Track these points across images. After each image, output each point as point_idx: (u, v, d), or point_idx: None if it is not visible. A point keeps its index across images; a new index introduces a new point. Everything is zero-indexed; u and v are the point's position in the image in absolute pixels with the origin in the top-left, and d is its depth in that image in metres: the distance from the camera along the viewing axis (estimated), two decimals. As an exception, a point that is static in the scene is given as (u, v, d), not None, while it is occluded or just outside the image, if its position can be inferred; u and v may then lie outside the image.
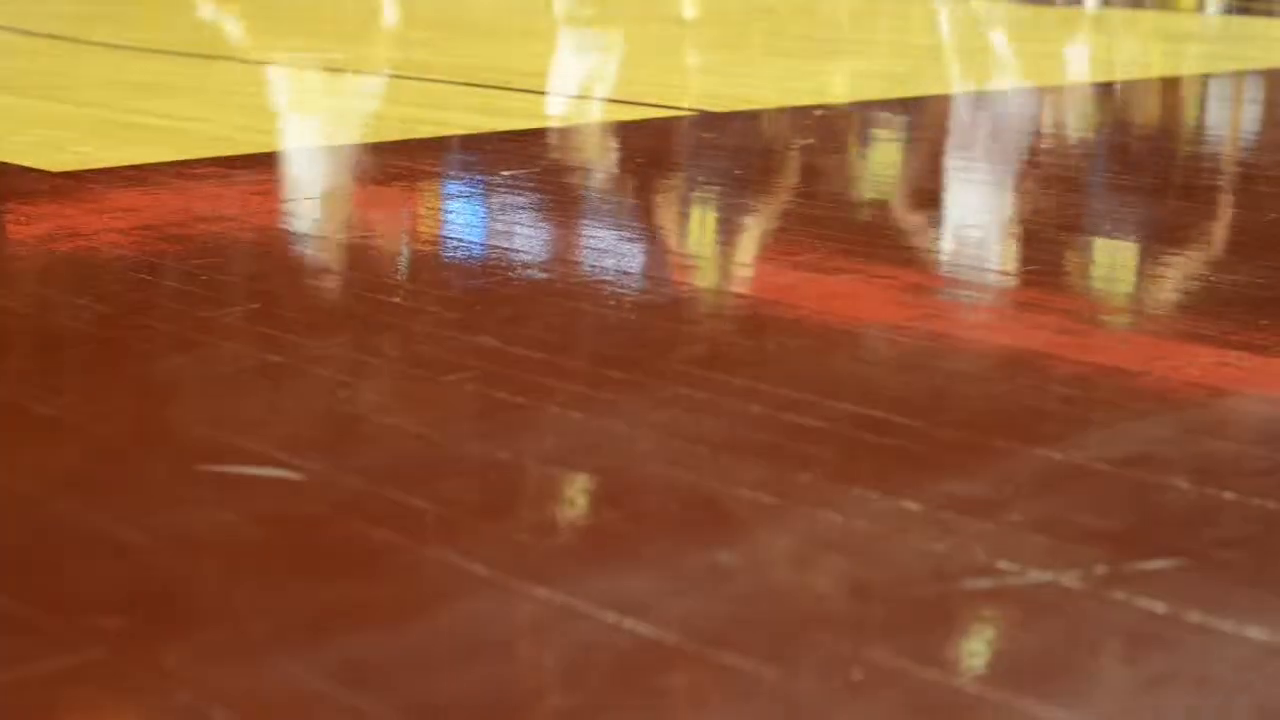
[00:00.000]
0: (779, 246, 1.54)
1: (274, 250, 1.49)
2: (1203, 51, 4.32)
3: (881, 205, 1.78)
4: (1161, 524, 0.82)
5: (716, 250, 1.55)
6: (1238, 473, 0.90)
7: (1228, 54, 4.24)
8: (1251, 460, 0.93)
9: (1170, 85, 3.31)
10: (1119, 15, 5.73)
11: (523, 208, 1.69)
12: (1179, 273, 1.51)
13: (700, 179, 1.93)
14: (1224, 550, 0.78)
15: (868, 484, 0.86)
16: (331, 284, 1.36)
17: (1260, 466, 0.92)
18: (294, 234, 1.55)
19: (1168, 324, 1.27)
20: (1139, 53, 4.22)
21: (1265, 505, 0.85)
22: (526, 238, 1.56)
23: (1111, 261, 1.57)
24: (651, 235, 1.62)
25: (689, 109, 2.57)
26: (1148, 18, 5.55)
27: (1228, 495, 0.86)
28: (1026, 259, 1.49)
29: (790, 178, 1.98)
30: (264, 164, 1.89)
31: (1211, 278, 1.45)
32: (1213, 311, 1.31)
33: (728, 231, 1.62)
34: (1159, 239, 1.67)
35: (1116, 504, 0.84)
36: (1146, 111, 2.90)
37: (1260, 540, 0.80)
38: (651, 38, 4.15)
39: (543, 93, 2.74)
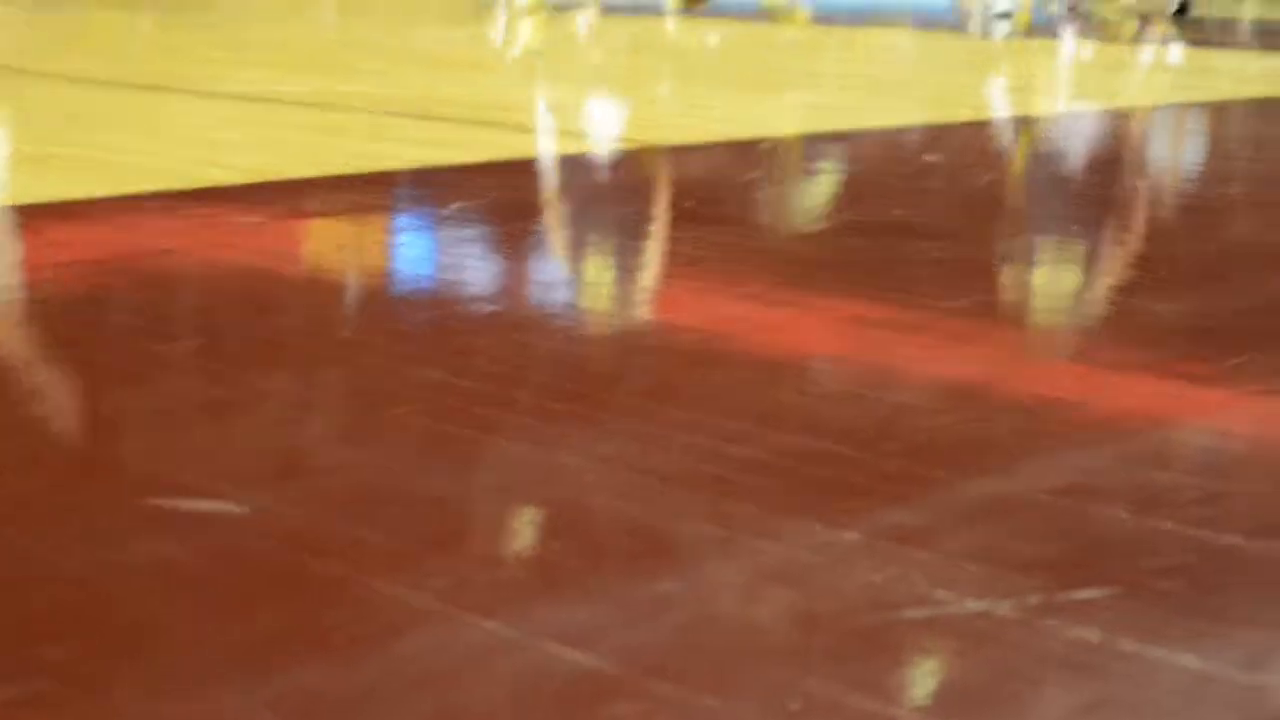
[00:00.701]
0: (725, 279, 1.55)
1: (220, 284, 1.49)
2: (1144, 81, 4.36)
3: (826, 237, 1.80)
4: (1098, 553, 0.83)
5: (663, 283, 1.56)
6: (1175, 502, 0.92)
7: (1168, 85, 4.28)
8: (1189, 490, 0.94)
9: (1111, 116, 3.35)
10: (1066, 47, 5.78)
11: (471, 241, 1.70)
12: (1120, 303, 1.53)
13: (646, 212, 1.95)
14: (1159, 579, 0.80)
15: (810, 515, 0.87)
16: (279, 318, 1.36)
17: (1197, 496, 0.93)
18: (241, 268, 1.55)
19: (1108, 354, 1.29)
20: (1082, 83, 4.26)
21: (1201, 535, 0.86)
22: (474, 271, 1.57)
23: (1052, 292, 1.58)
24: (598, 269, 1.63)
25: (637, 142, 2.58)
26: (1100, 50, 5.60)
27: (1164, 525, 0.88)
28: (970, 290, 1.51)
29: (735, 210, 2.00)
30: (211, 197, 1.90)
31: (1153, 307, 1.47)
32: (1153, 341, 1.33)
33: (674, 264, 1.64)
34: (1099, 269, 1.69)
35: (1054, 533, 0.86)
36: (1088, 142, 2.93)
37: (1195, 569, 0.81)
38: (599, 70, 4.17)
39: (491, 125, 2.75)
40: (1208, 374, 1.22)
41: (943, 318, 1.39)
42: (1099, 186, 2.34)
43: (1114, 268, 1.71)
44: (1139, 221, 2.03)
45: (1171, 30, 6.37)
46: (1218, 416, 1.12)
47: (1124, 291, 1.59)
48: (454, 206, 1.86)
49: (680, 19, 6.10)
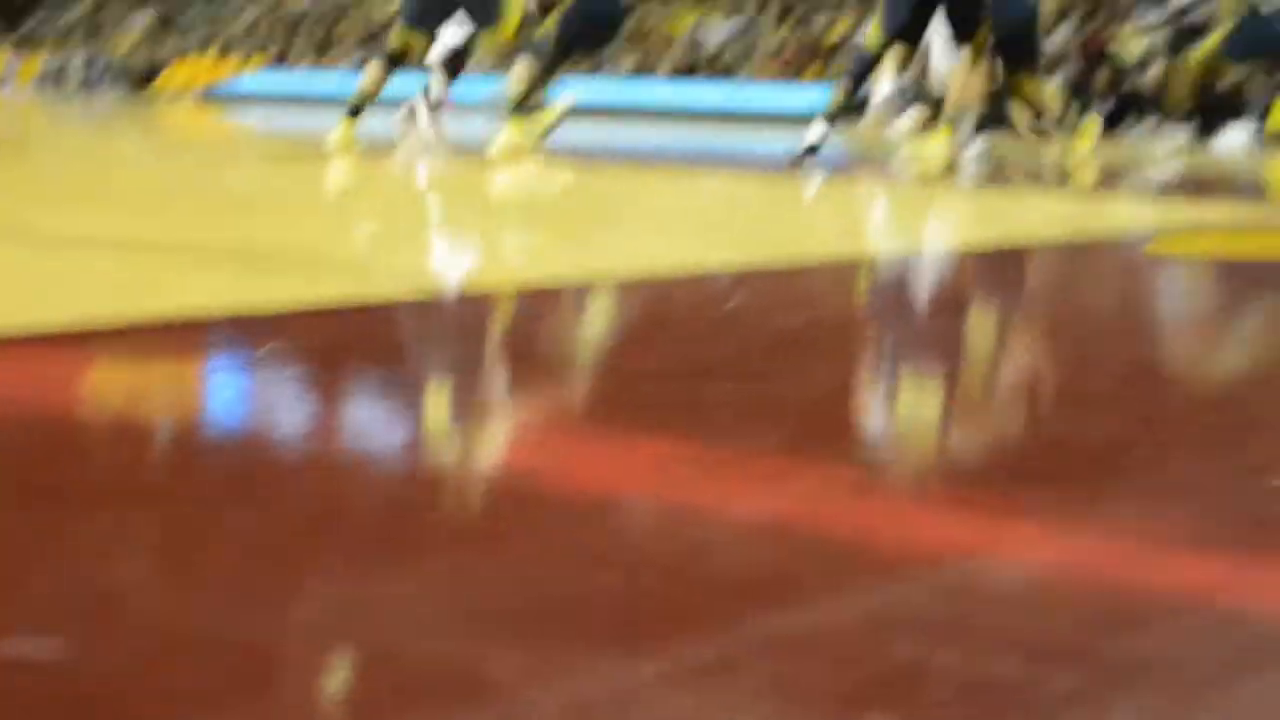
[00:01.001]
0: (536, 420, 1.59)
1: (28, 428, 1.49)
2: (946, 224, 4.50)
3: (635, 379, 1.84)
4: (884, 685, 0.87)
5: (475, 425, 1.59)
6: (969, 634, 0.96)
7: (972, 226, 4.42)
8: (985, 621, 0.99)
9: (916, 259, 3.44)
10: (865, 188, 5.92)
11: (283, 385, 1.71)
12: (922, 441, 1.59)
13: (460, 356, 1.97)
14: (941, 710, 0.83)
15: (616, 650, 0.90)
16: (87, 461, 1.36)
17: (992, 626, 0.97)
18: (49, 413, 1.55)
19: (910, 490, 1.34)
20: (886, 226, 4.38)
21: (989, 666, 0.90)
22: (286, 414, 1.58)
23: (856, 430, 1.63)
24: (409, 413, 1.65)
25: (451, 286, 2.62)
26: (906, 191, 5.75)
27: (956, 656, 0.92)
28: (776, 429, 1.55)
29: (545, 354, 2.03)
30: (20, 344, 1.89)
31: (953, 445, 1.53)
32: (953, 477, 1.39)
33: (486, 407, 1.66)
34: (903, 409, 1.74)
35: (845, 666, 0.89)
36: (893, 286, 3.01)
37: (980, 699, 0.85)
38: (411, 212, 4.20)
39: (304, 268, 2.77)
40: (1003, 508, 1.27)
41: (750, 456, 1.43)
42: (903, 329, 2.41)
43: (918, 407, 1.76)
44: (942, 363, 2.10)
45: (974, 171, 6.57)
46: (1009, 549, 1.17)
47: (926, 430, 1.65)
48: (264, 351, 1.87)
49: (494, 162, 6.16)
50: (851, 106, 7.29)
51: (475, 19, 6.50)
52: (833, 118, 6.75)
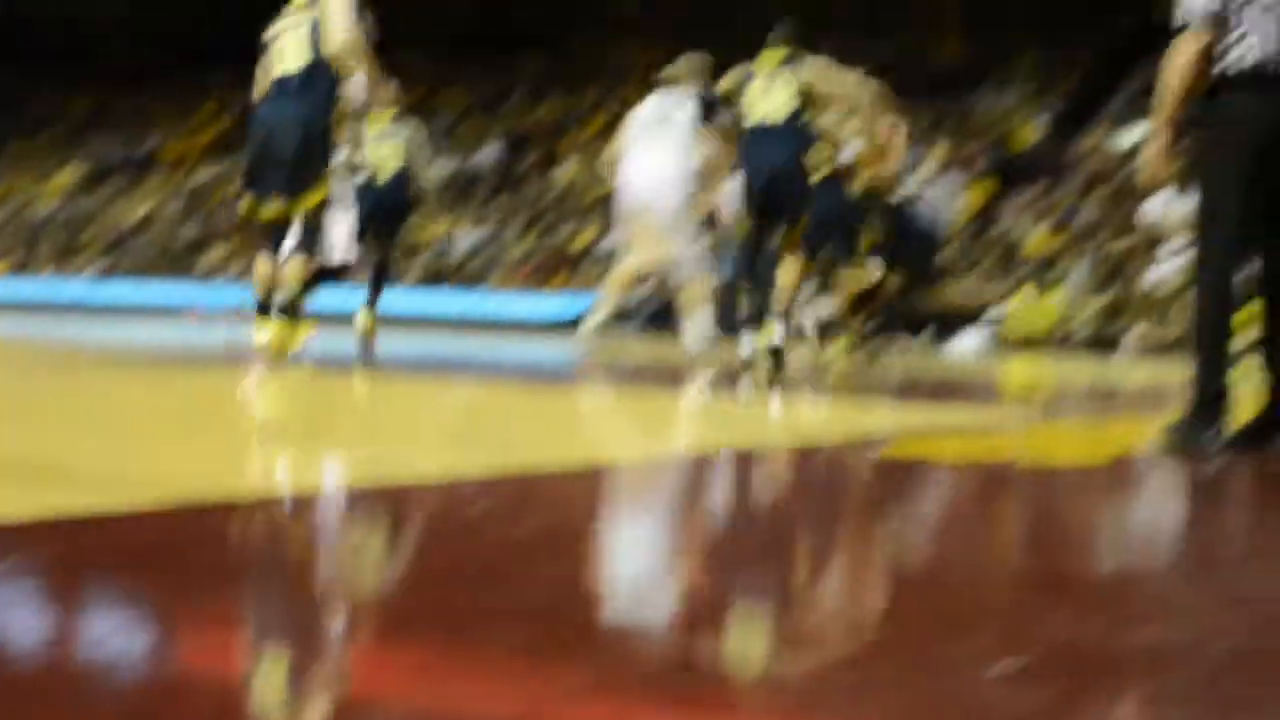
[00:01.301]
0: (282, 630, 1.60)
1: None
2: (687, 427, 4.60)
3: (385, 583, 1.87)
4: None
5: (220, 635, 1.59)
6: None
7: (724, 432, 4.53)
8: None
9: (656, 464, 3.52)
10: (592, 395, 6.02)
11: (19, 599, 1.70)
12: (661, 639, 1.64)
13: (202, 567, 1.98)
14: None
15: None
16: None
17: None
18: None
19: (650, 686, 1.39)
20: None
21: None
22: (22, 628, 1.57)
23: (599, 628, 1.68)
24: (155, 624, 1.65)
25: (194, 500, 2.61)
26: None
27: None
28: (527, 628, 1.58)
29: (286, 565, 2.05)
30: None
31: (690, 643, 1.59)
32: (690, 673, 1.44)
33: (231, 618, 1.67)
34: (640, 608, 1.80)
35: None
36: (639, 487, 3.08)
37: None
38: (161, 423, 4.17)
39: (45, 480, 2.74)
40: (729, 705, 1.33)
41: (493, 658, 1.46)
42: (638, 533, 2.47)
43: (648, 609, 1.82)
44: (672, 566, 2.16)
45: (710, 377, 6.71)
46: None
47: (656, 631, 1.70)
48: (4, 566, 1.86)
49: (251, 371, 6.14)
50: (765, 307, 7.34)
51: (287, 187, 6.36)
52: (756, 321, 6.93)
